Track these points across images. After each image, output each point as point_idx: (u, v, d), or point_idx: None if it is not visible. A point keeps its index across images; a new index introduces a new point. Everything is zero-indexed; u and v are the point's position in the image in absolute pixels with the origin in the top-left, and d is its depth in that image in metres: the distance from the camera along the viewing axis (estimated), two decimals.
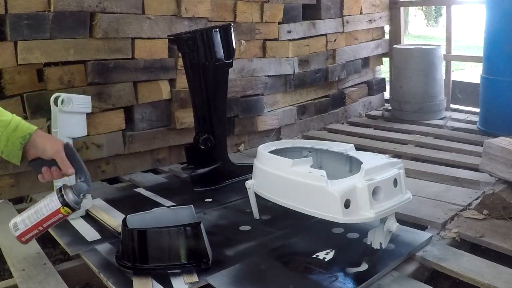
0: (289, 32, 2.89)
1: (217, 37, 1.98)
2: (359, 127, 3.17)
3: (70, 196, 1.29)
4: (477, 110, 3.09)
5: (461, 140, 2.71)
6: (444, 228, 1.61)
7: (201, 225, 1.34)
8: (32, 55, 1.93)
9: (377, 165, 1.41)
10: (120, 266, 1.35)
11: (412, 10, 17.00)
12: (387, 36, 3.82)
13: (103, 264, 1.40)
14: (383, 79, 3.82)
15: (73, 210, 1.31)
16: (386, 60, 3.92)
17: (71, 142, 1.73)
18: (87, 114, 1.79)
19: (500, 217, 1.63)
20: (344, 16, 3.26)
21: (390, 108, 3.51)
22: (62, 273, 1.40)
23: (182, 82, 2.34)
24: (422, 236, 1.51)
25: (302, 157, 1.70)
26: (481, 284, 1.27)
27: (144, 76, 2.27)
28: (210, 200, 1.91)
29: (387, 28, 3.85)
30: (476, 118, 3.07)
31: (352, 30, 3.36)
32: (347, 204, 1.29)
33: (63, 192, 1.30)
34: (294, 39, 2.92)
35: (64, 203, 1.29)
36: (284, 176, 1.47)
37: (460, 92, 3.78)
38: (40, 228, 1.32)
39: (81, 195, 1.31)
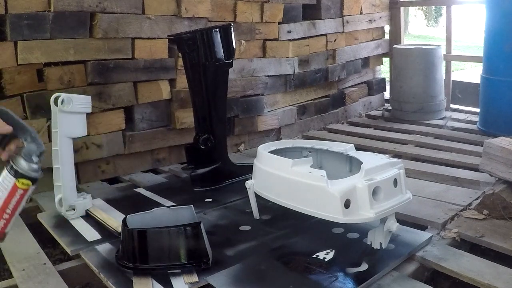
0: (289, 32, 2.89)
1: (217, 37, 1.98)
2: (359, 127, 3.17)
3: (21, 164, 1.08)
4: (477, 110, 3.09)
5: (461, 140, 2.71)
6: (444, 228, 1.61)
7: (201, 225, 1.34)
8: (32, 55, 1.94)
9: (377, 165, 1.41)
10: (120, 266, 1.35)
11: (412, 10, 17.00)
12: (387, 36, 3.82)
13: (103, 264, 1.40)
14: (383, 79, 3.82)
15: (32, 180, 1.09)
16: (386, 60, 3.92)
17: (71, 142, 1.73)
18: (87, 114, 1.79)
19: (500, 217, 1.63)
20: (344, 16, 3.26)
21: (390, 108, 3.51)
22: (62, 273, 1.40)
23: (182, 82, 2.34)
24: (422, 236, 1.51)
25: (302, 157, 1.70)
26: (481, 284, 1.27)
27: (144, 76, 2.27)
28: (210, 200, 1.91)
29: (387, 28, 3.85)
30: (476, 118, 3.07)
31: (352, 30, 3.36)
32: (347, 204, 1.29)
33: (12, 163, 1.08)
34: (294, 39, 2.92)
35: (18, 175, 1.07)
36: (284, 176, 1.47)
37: (460, 92, 3.78)
38: (6, 215, 1.09)
39: (33, 157, 1.09)
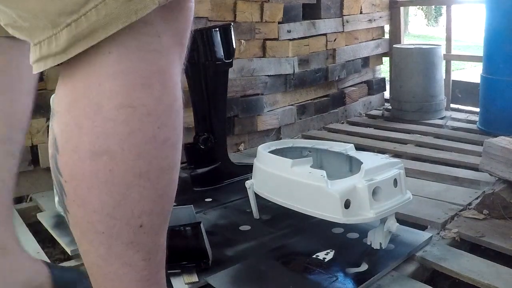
0: (289, 31, 2.89)
1: (217, 37, 1.97)
2: (359, 127, 3.17)
3: None
4: (477, 109, 3.09)
5: (461, 140, 2.71)
6: (444, 228, 1.61)
7: (201, 225, 1.34)
8: None
9: (377, 165, 1.41)
10: None
11: (412, 9, 17.00)
12: (387, 36, 3.82)
13: None
14: (383, 79, 3.82)
15: None
16: (386, 60, 3.92)
17: None
18: None
19: (500, 217, 1.63)
20: (344, 15, 3.26)
21: (390, 107, 3.51)
22: None
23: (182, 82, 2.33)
24: (422, 236, 1.51)
25: (302, 157, 1.70)
26: (481, 284, 1.27)
27: None
28: (210, 200, 1.91)
29: (387, 28, 3.85)
30: (476, 118, 3.07)
31: (352, 29, 3.36)
32: (347, 204, 1.29)
33: None
34: (294, 39, 2.92)
35: None
36: (284, 176, 1.47)
37: (460, 91, 3.78)
38: None
39: None
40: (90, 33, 0.53)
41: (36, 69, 0.57)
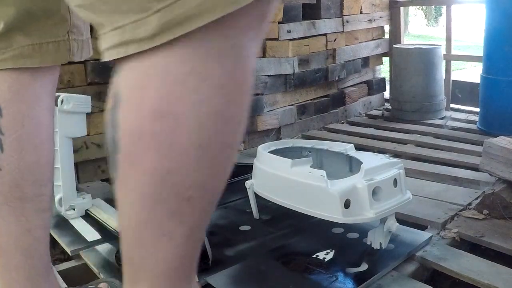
0: (289, 31, 2.89)
1: None
2: (359, 127, 3.17)
3: None
4: (477, 109, 3.09)
5: (461, 140, 2.71)
6: (444, 228, 1.61)
7: None
8: None
9: (377, 165, 1.41)
10: (120, 266, 1.34)
11: (412, 9, 17.01)
12: (387, 36, 3.83)
13: (103, 264, 1.40)
14: (383, 79, 3.82)
15: None
16: (386, 60, 3.92)
17: (71, 142, 1.73)
18: (87, 113, 1.79)
19: (500, 217, 1.63)
20: (344, 15, 3.26)
21: (390, 107, 3.51)
22: (62, 273, 1.40)
23: None
24: (422, 236, 1.51)
25: (302, 157, 1.70)
26: (481, 284, 1.27)
27: None
28: None
29: (387, 28, 3.85)
30: (476, 118, 3.07)
31: (352, 29, 3.36)
32: (347, 204, 1.29)
33: None
34: (294, 39, 2.92)
35: None
36: (284, 176, 1.47)
37: (460, 91, 3.78)
38: None
39: None
40: (184, 20, 0.50)
41: (111, 56, 0.54)
